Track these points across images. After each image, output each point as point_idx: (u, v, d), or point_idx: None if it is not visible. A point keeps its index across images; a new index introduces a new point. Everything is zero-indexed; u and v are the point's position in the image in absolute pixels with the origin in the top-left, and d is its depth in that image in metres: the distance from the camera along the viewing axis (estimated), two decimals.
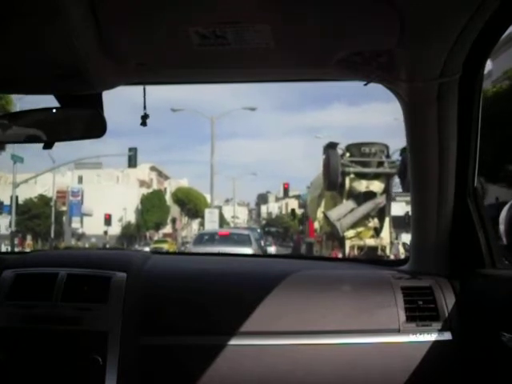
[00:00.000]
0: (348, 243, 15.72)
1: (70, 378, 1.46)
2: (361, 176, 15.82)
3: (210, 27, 1.35)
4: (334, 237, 16.60)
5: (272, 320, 1.57)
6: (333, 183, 15.75)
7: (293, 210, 37.71)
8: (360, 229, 15.97)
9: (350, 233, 15.79)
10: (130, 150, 26.01)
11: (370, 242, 15.96)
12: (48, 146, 1.65)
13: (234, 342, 1.53)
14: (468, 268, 1.64)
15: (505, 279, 1.52)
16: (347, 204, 15.85)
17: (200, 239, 14.85)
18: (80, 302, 1.52)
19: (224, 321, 1.57)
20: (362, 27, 1.39)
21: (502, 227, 1.52)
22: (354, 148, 16.25)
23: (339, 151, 16.03)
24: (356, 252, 15.74)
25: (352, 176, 15.92)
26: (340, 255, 15.51)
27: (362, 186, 15.74)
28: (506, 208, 1.55)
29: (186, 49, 1.47)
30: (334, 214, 15.71)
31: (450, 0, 1.26)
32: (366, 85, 1.63)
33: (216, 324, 1.57)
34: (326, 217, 16.45)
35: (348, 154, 16.18)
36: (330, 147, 16.10)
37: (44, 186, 39.67)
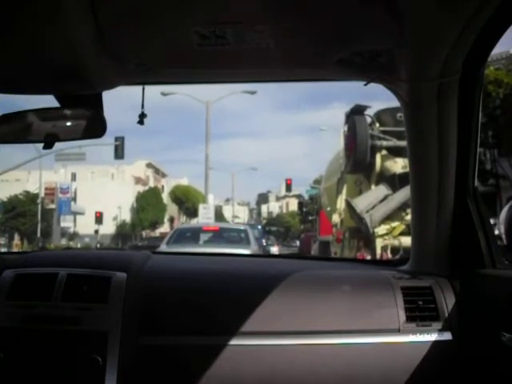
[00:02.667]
0: (379, 243, 11.75)
1: (69, 378, 1.49)
2: (396, 152, 11.76)
3: (210, 27, 1.40)
4: (361, 234, 12.69)
5: (272, 320, 1.61)
6: (359, 161, 11.78)
7: (300, 204, 35.19)
8: (395, 223, 11.92)
9: (382, 229, 11.71)
10: (117, 139, 23.61)
11: (406, 241, 10.92)
12: (48, 146, 1.70)
13: (234, 341, 1.57)
14: (468, 268, 1.68)
15: (505, 279, 1.56)
16: (378, 190, 11.91)
17: (178, 237, 10.65)
18: (80, 301, 1.55)
19: (224, 321, 1.61)
20: (362, 27, 1.44)
21: (501, 227, 1.57)
22: (386, 115, 12.17)
23: (368, 119, 12.04)
24: (390, 255, 11.75)
25: (384, 152, 11.88)
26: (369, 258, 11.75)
27: (398, 165, 11.69)
28: (506, 208, 1.59)
29: (186, 49, 1.51)
30: (361, 204, 11.81)
31: (449, 0, 1.30)
32: (366, 85, 1.68)
33: (216, 324, 1.61)
34: (350, 207, 12.32)
35: (378, 125, 12.14)
36: (356, 112, 11.93)
37: (36, 183, 39.34)
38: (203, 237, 11.03)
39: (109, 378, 1.48)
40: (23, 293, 1.57)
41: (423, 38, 1.45)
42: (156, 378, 1.58)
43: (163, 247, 9.87)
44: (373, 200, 11.74)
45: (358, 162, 11.92)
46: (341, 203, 14.29)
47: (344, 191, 13.91)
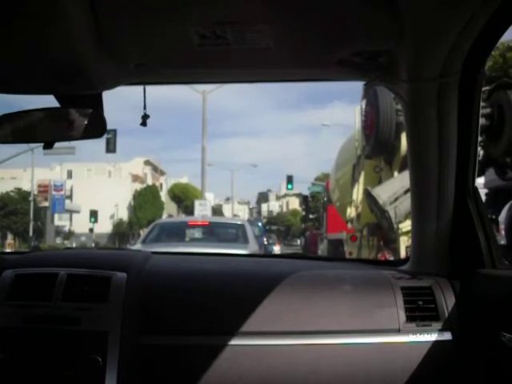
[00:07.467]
0: (403, 241, 9.86)
1: (70, 378, 1.51)
2: None
3: (210, 27, 1.43)
4: (382, 231, 10.89)
5: (272, 320, 1.63)
6: (382, 142, 9.86)
7: (305, 198, 33.50)
8: None
9: (407, 225, 9.49)
10: (109, 132, 21.83)
11: None
12: (48, 145, 1.73)
13: (233, 341, 1.60)
14: (468, 268, 1.70)
15: (505, 279, 1.58)
16: (404, 178, 9.16)
17: (157, 234, 8.71)
18: (80, 302, 1.57)
19: (224, 321, 1.63)
20: (362, 27, 1.47)
21: (501, 227, 1.60)
22: None
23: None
24: None
25: None
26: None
27: None
28: (506, 208, 1.62)
29: (185, 49, 1.54)
30: (383, 194, 9.94)
31: (450, 0, 1.33)
32: (366, 85, 1.71)
33: (216, 324, 1.63)
34: (370, 198, 10.38)
35: None
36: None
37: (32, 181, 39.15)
38: (190, 234, 9.19)
39: (109, 378, 1.50)
40: (23, 293, 1.59)
41: (423, 38, 1.47)
42: (156, 377, 1.60)
43: (138, 247, 7.87)
44: (398, 189, 9.73)
45: (380, 143, 9.94)
46: (357, 194, 12.46)
47: (361, 180, 12.10)
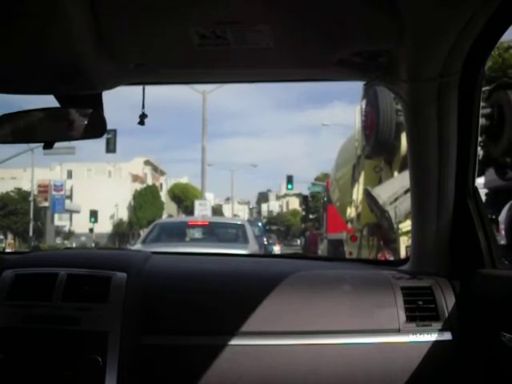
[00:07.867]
0: (403, 241, 9.72)
1: (70, 378, 1.51)
2: None
3: (210, 27, 1.43)
4: (382, 231, 10.85)
5: (272, 320, 1.64)
6: (382, 142, 9.86)
7: (305, 198, 33.66)
8: None
9: (407, 225, 9.33)
10: (109, 132, 21.69)
11: None
12: (48, 145, 1.74)
13: (234, 341, 1.60)
14: (468, 268, 1.70)
15: (505, 279, 1.58)
16: (404, 178, 9.13)
17: (157, 234, 8.67)
18: (80, 302, 1.58)
19: (224, 321, 1.64)
20: (362, 27, 1.47)
21: (501, 227, 1.60)
22: None
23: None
24: None
25: None
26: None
27: None
28: (506, 208, 1.63)
29: (185, 49, 1.54)
30: (383, 194, 9.89)
31: (450, 0, 1.33)
32: (366, 85, 1.71)
33: (216, 324, 1.64)
34: (370, 198, 10.31)
35: None
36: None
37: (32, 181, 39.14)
38: (190, 234, 9.20)
39: (109, 378, 1.50)
40: (23, 293, 1.59)
41: (423, 38, 1.48)
42: (156, 377, 1.60)
43: (138, 247, 7.80)
44: (398, 189, 9.69)
45: (380, 143, 9.97)
46: (357, 194, 12.54)
47: (361, 179, 12.18)
